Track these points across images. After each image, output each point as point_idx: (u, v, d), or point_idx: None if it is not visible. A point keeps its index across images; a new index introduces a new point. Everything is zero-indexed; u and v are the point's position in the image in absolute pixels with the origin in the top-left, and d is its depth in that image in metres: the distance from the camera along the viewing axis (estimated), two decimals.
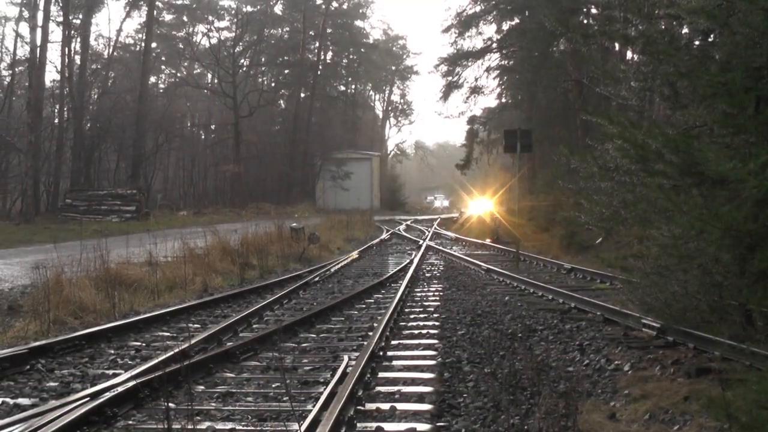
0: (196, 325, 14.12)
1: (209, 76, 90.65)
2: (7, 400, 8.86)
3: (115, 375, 9.61)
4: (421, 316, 14.91)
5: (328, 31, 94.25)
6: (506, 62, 58.96)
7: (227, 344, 11.73)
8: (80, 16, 67.80)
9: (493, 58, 59.62)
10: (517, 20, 57.36)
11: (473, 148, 61.33)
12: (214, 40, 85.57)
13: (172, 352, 10.55)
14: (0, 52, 71.62)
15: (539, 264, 26.08)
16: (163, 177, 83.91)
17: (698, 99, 9.80)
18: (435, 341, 12.20)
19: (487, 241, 37.90)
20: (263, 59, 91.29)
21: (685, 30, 12.03)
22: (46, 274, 15.63)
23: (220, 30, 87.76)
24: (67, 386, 9.53)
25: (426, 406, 8.47)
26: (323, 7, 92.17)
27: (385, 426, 7.76)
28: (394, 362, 10.69)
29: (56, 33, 66.55)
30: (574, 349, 11.68)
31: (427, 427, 7.80)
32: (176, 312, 15.15)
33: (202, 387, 9.45)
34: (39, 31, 59.47)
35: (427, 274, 23.41)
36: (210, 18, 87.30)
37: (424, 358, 10.99)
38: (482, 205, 51.90)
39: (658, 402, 8.65)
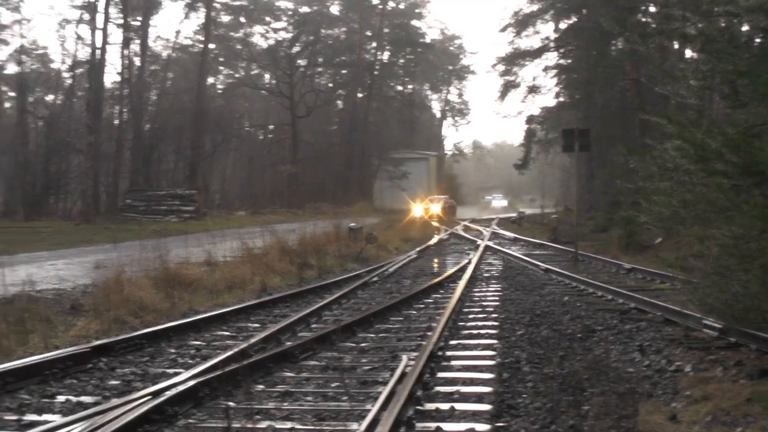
0: (255, 325, 14.19)
1: (266, 76, 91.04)
2: (71, 397, 8.95)
3: (176, 374, 9.67)
4: (480, 316, 14.87)
5: (385, 31, 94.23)
6: (564, 61, 58.70)
7: (286, 344, 11.77)
8: (139, 18, 68.39)
9: (551, 57, 59.43)
10: (574, 19, 57.10)
11: (531, 148, 61.07)
12: (271, 41, 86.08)
13: (231, 352, 10.61)
14: (61, 55, 72.36)
15: (598, 264, 25.91)
16: (221, 177, 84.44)
17: (758, 97, 9.70)
18: (494, 341, 12.16)
19: (546, 241, 37.70)
20: (320, 59, 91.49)
21: (744, 28, 11.91)
22: (106, 273, 15.79)
23: (278, 31, 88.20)
24: (128, 384, 9.62)
25: (485, 407, 8.44)
26: (380, 7, 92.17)
27: (444, 426, 7.74)
28: (453, 362, 10.66)
29: (116, 35, 67.26)
30: (634, 349, 11.59)
31: (486, 427, 7.77)
32: (235, 312, 15.22)
33: (262, 386, 9.48)
34: (99, 33, 60.09)
35: (485, 274, 23.33)
36: (267, 19, 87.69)
37: (483, 358, 10.95)
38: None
39: (720, 403, 8.56)
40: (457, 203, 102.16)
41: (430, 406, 8.44)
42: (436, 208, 68.80)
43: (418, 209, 62.88)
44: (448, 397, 8.81)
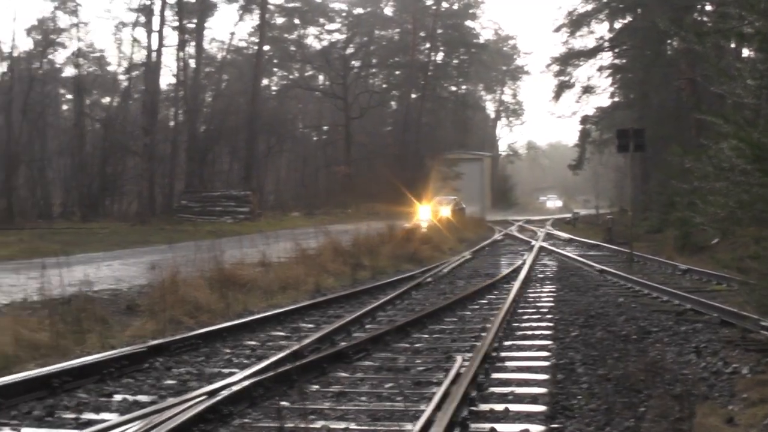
0: (309, 325, 14.24)
1: (320, 78, 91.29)
2: (127, 396, 9.03)
3: (231, 374, 9.72)
4: (534, 317, 14.83)
5: (439, 31, 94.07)
6: (618, 61, 58.32)
7: (340, 344, 11.80)
8: (194, 21, 68.86)
9: (605, 57, 59.10)
10: (629, 18, 56.70)
11: (585, 148, 60.79)
12: (325, 43, 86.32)
13: (285, 352, 10.65)
14: (117, 57, 73.04)
15: (653, 265, 25.74)
16: (275, 178, 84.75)
17: None
18: (548, 342, 12.12)
19: (600, 242, 37.48)
20: (374, 61, 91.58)
21: None
22: (162, 274, 15.90)
23: (332, 32, 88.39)
24: (184, 384, 9.68)
25: (539, 408, 8.42)
26: (433, 8, 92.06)
27: (499, 427, 7.72)
28: (507, 363, 10.64)
29: (171, 37, 67.80)
30: (690, 351, 11.49)
31: (540, 428, 7.75)
32: (289, 312, 15.28)
33: (316, 386, 9.51)
34: (155, 36, 60.58)
35: (539, 275, 23.26)
36: (321, 20, 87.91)
37: (537, 359, 10.92)
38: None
39: None
40: (510, 204, 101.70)
41: (485, 406, 8.43)
42: (446, 211, 54.40)
43: (424, 212, 51.77)
44: (503, 398, 8.79)
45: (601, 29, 69.63)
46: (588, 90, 59.80)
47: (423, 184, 68.86)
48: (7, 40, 71.25)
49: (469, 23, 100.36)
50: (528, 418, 8.08)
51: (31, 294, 13.95)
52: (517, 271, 23.24)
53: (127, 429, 7.28)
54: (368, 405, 8.66)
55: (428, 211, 52.56)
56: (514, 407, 8.39)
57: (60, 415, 8.27)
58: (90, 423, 7.83)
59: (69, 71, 72.03)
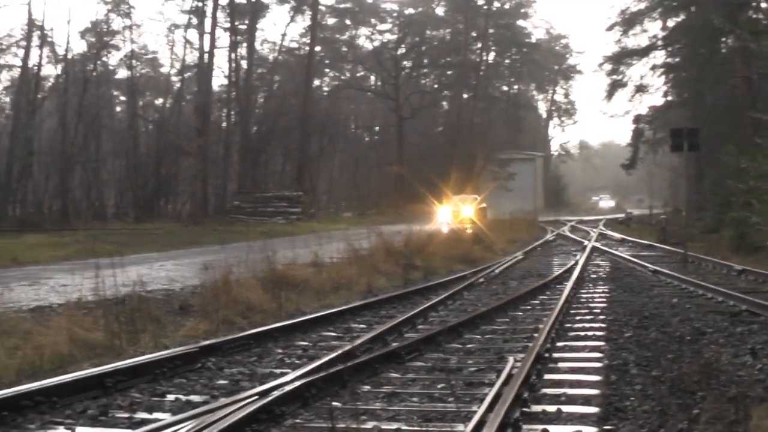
0: (361, 326, 14.24)
1: (372, 78, 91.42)
2: (180, 396, 9.07)
3: (283, 374, 9.73)
4: (587, 317, 14.73)
5: (490, 31, 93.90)
6: (672, 60, 57.90)
7: (392, 345, 11.79)
8: (246, 22, 69.19)
9: (659, 56, 58.75)
10: (682, 16, 56.29)
11: (639, 148, 60.40)
12: (376, 43, 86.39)
13: (337, 352, 10.65)
14: (170, 59, 73.57)
15: (708, 265, 25.49)
16: (328, 179, 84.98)
17: None
18: (601, 343, 12.03)
19: (654, 242, 37.20)
20: (425, 61, 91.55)
21: None
22: (214, 274, 15.98)
23: (383, 33, 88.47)
24: (236, 384, 9.70)
25: (592, 409, 8.35)
26: (485, 7, 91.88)
27: (551, 428, 7.67)
28: (560, 364, 10.58)
29: (223, 39, 68.08)
30: (746, 352, 11.35)
31: (593, 430, 7.69)
32: (341, 312, 15.29)
33: (368, 387, 9.49)
34: (207, 38, 60.92)
35: (592, 276, 23.14)
36: (372, 21, 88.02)
37: (590, 360, 10.84)
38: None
39: None
40: (563, 204, 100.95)
41: (537, 408, 8.38)
42: (469, 211, 49.32)
43: (444, 214, 48.00)
44: (555, 399, 8.74)
45: (654, 27, 69.17)
46: (641, 89, 59.52)
47: (474, 184, 68.64)
48: (61, 43, 72.21)
49: (521, 22, 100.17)
50: (581, 419, 8.03)
51: (86, 294, 14.05)
52: (569, 271, 23.13)
53: (179, 429, 7.31)
54: (420, 406, 8.64)
55: (449, 213, 48.54)
56: (567, 408, 8.33)
57: (113, 415, 8.33)
58: (143, 422, 7.87)
59: (122, 73, 72.77)
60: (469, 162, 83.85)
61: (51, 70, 66.73)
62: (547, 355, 10.93)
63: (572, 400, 8.71)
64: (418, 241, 28.14)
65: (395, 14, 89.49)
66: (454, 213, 48.52)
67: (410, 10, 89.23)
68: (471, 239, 32.55)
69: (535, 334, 12.39)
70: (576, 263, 25.61)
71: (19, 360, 10.35)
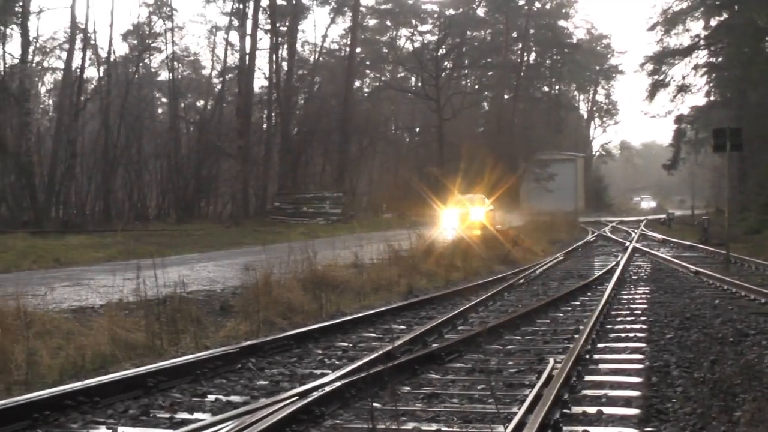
0: (401, 327, 14.24)
1: (413, 79, 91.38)
2: (220, 397, 9.11)
3: (323, 375, 9.75)
4: (628, 319, 14.65)
5: (531, 31, 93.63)
6: (714, 59, 57.49)
7: (432, 345, 11.78)
8: (287, 24, 69.37)
9: (701, 56, 58.38)
10: (725, 16, 55.88)
11: (680, 148, 60.06)
12: (417, 44, 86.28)
13: (377, 353, 10.65)
14: (211, 61, 73.90)
15: (750, 266, 25.28)
16: (368, 180, 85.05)
17: None
18: (642, 345, 11.96)
19: (696, 243, 36.94)
20: (466, 61, 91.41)
21: None
22: (255, 275, 16.03)
23: (424, 33, 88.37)
24: (276, 385, 9.73)
25: (633, 411, 8.30)
26: (526, 8, 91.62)
27: (592, 430, 7.63)
28: (601, 365, 10.53)
29: (264, 40, 68.35)
30: None
31: None
32: (381, 313, 15.30)
33: (408, 388, 9.50)
34: (248, 39, 61.14)
35: (633, 276, 23.02)
36: (413, 22, 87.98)
37: (631, 361, 10.78)
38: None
39: None
40: (604, 205, 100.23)
41: (577, 409, 8.34)
42: (479, 213, 42.24)
43: (450, 218, 41.48)
44: (596, 401, 8.69)
45: (697, 27, 68.75)
46: (683, 89, 59.22)
47: (516, 185, 68.12)
48: (104, 46, 72.65)
49: (562, 23, 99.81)
50: (621, 421, 7.99)
51: (127, 295, 14.15)
52: (610, 272, 23.02)
53: (220, 429, 7.34)
54: (459, 406, 8.63)
55: (454, 216, 41.29)
56: (608, 410, 8.29)
57: (155, 415, 8.37)
58: (184, 423, 7.91)
59: (164, 75, 73.21)
60: (511, 163, 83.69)
61: (94, 73, 67.31)
62: (587, 356, 10.90)
63: (613, 401, 8.67)
64: (459, 241, 28.09)
65: (436, 15, 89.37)
66: (461, 216, 41.27)
67: (451, 11, 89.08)
68: (511, 240, 32.44)
69: (576, 335, 12.35)
70: (617, 264, 25.49)
71: (62, 360, 10.43)
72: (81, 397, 8.53)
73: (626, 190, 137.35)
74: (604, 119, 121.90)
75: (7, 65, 53.45)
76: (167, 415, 8.32)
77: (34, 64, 64.18)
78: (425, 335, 12.58)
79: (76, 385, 8.85)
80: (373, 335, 13.44)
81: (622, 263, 25.67)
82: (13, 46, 68.63)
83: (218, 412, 8.32)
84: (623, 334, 12.91)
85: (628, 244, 36.63)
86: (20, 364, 9.93)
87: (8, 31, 52.22)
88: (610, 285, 19.02)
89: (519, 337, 13.01)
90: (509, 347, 12.13)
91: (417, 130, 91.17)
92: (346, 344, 12.58)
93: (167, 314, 12.94)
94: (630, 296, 18.29)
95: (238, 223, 52.54)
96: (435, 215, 44.49)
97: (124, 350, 11.25)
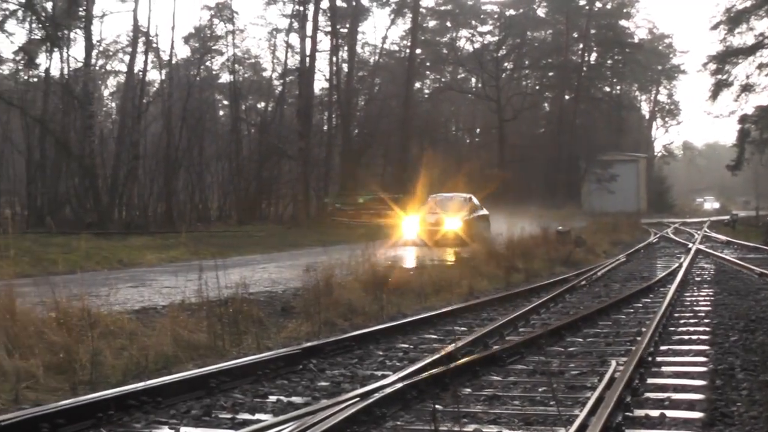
0: (462, 328, 14.19)
1: (473, 80, 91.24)
2: (282, 398, 9.14)
3: (384, 376, 9.75)
4: (691, 321, 14.51)
5: (592, 31, 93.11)
6: None
7: (493, 347, 11.75)
8: (347, 25, 69.54)
9: (765, 54, 57.68)
10: None
11: (744, 148, 59.42)
12: (477, 45, 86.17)
13: (438, 355, 10.64)
14: (271, 63, 74.24)
15: None
16: (429, 181, 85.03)
17: None
18: (706, 347, 11.84)
19: (761, 245, 36.51)
20: (526, 62, 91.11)
21: None
22: (316, 276, 16.08)
23: (484, 34, 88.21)
24: (337, 386, 9.75)
25: (697, 414, 8.22)
26: (587, 8, 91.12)
27: None
28: (663, 368, 10.43)
29: (324, 42, 68.51)
30: None
31: None
32: (443, 315, 15.27)
33: (469, 390, 9.47)
34: (308, 41, 61.35)
35: (696, 278, 22.80)
36: (473, 22, 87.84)
37: (695, 364, 10.67)
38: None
39: None
40: (666, 206, 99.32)
41: (640, 412, 8.27)
42: (454, 223, 34.59)
43: (410, 225, 35.39)
44: (659, 404, 8.62)
45: (761, 25, 68.05)
46: (747, 88, 58.61)
47: (577, 186, 67.53)
48: (166, 49, 73.28)
49: (623, 22, 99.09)
50: (685, 424, 7.91)
51: (190, 296, 14.23)
52: (673, 274, 22.81)
53: (281, 430, 7.37)
54: (521, 409, 8.59)
55: (416, 225, 34.83)
56: (671, 413, 8.21)
57: (217, 415, 8.42)
58: (245, 423, 7.95)
59: (225, 77, 73.64)
60: (571, 163, 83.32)
61: (156, 76, 67.98)
62: (650, 358, 10.80)
63: (676, 404, 8.59)
64: (520, 243, 28.01)
65: (496, 16, 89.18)
66: (429, 224, 34.24)
67: (511, 12, 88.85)
68: (573, 241, 32.29)
69: (638, 338, 12.24)
70: (680, 266, 25.25)
71: (125, 360, 10.53)
72: (144, 397, 8.60)
73: (689, 191, 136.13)
74: (666, 119, 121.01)
75: (71, 69, 54.02)
76: (229, 416, 8.37)
77: (97, 68, 64.91)
78: (486, 337, 12.54)
79: (140, 385, 8.93)
80: (434, 336, 13.42)
81: (685, 265, 25.43)
82: (77, 50, 69.33)
83: (279, 413, 8.35)
84: (686, 337, 12.79)
85: (690, 245, 36.29)
86: (85, 364, 10.02)
87: (72, 35, 52.75)
88: (673, 287, 18.84)
89: (581, 339, 12.93)
90: (571, 349, 12.06)
91: (477, 131, 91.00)
92: (407, 345, 12.57)
93: (229, 315, 13.01)
94: (693, 298, 18.12)
95: (299, 224, 52.79)
96: (496, 215, 42.75)
97: (187, 351, 11.32)
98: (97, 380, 9.72)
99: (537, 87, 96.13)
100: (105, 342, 10.99)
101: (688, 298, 18.05)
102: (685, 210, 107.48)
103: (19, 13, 49.28)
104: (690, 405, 8.55)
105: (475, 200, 39.31)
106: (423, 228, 34.69)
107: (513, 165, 79.49)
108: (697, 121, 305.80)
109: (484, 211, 39.68)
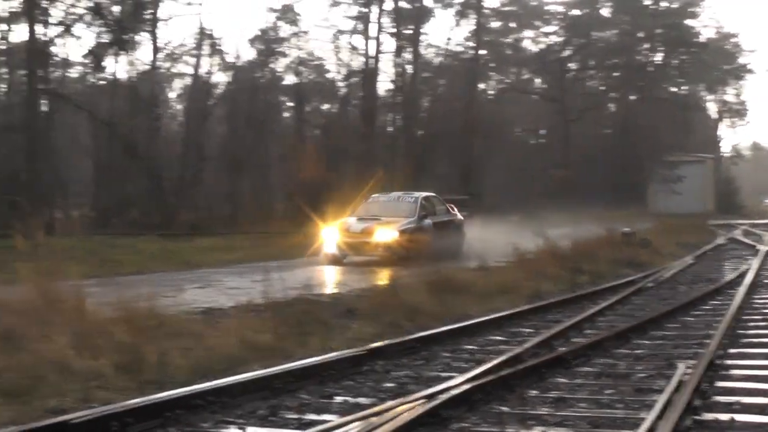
0: (527, 330, 14.14)
1: (537, 80, 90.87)
2: (348, 398, 9.17)
3: (449, 378, 9.74)
4: (761, 324, 14.33)
5: (657, 31, 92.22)
6: None
7: (559, 349, 11.69)
8: (411, 27, 69.58)
9: None
10: None
11: None
12: (541, 45, 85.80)
13: (504, 357, 10.61)
14: (335, 65, 74.43)
15: None
16: (493, 182, 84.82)
17: None
18: None
19: None
20: (591, 63, 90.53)
21: None
22: (381, 277, 16.12)
23: (548, 35, 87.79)
24: (402, 387, 9.76)
25: None
26: (652, 7, 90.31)
27: None
28: (733, 372, 10.31)
29: (388, 44, 68.56)
30: None
31: None
32: (508, 316, 15.24)
33: (535, 392, 9.44)
34: (372, 43, 61.53)
35: (765, 281, 22.49)
36: (537, 23, 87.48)
37: (765, 368, 10.54)
38: None
39: None
40: (734, 208, 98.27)
41: (709, 416, 8.18)
42: (386, 234, 25.69)
43: (330, 237, 26.33)
44: (728, 408, 8.52)
45: None
46: None
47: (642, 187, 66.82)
48: (231, 51, 74.03)
49: (688, 22, 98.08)
50: (756, 429, 7.82)
51: (255, 296, 14.31)
52: (742, 276, 22.51)
53: (347, 430, 7.39)
54: (588, 411, 8.54)
55: (335, 235, 26.06)
56: (741, 417, 8.12)
57: (283, 415, 8.47)
58: (311, 424, 7.99)
59: (289, 79, 73.92)
60: (636, 164, 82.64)
61: (221, 78, 68.30)
62: (719, 362, 10.69)
63: (746, 409, 8.49)
64: (585, 244, 27.84)
65: (560, 16, 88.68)
66: (354, 235, 25.82)
67: (575, 12, 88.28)
68: (639, 243, 32.02)
69: (707, 341, 12.11)
70: (749, 268, 24.92)
71: (192, 360, 10.61)
72: (211, 396, 8.69)
73: (758, 192, 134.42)
74: (734, 120, 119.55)
75: (137, 71, 54.58)
76: (295, 416, 8.42)
77: (163, 70, 65.47)
78: (552, 339, 12.49)
79: (206, 385, 9.02)
80: (499, 338, 13.38)
81: (754, 267, 25.07)
82: (144, 53, 70.00)
83: (345, 414, 8.37)
84: (756, 340, 12.64)
85: (760, 247, 35.81)
86: (152, 364, 10.13)
87: (138, 38, 53.31)
88: (742, 290, 18.59)
89: (648, 342, 12.82)
90: (638, 352, 11.97)
91: (542, 132, 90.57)
92: (472, 347, 12.55)
93: (294, 316, 13.07)
94: (763, 301, 17.87)
95: None
96: (561, 216, 42.12)
97: (252, 351, 11.38)
98: (164, 380, 9.82)
99: (602, 87, 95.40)
100: (171, 342, 11.10)
101: (758, 301, 17.79)
102: (753, 211, 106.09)
103: (87, 17, 49.79)
104: (761, 409, 8.46)
105: (437, 201, 30.32)
106: (345, 240, 25.79)
107: (577, 166, 78.98)
108: (766, 121, 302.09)
109: (451, 217, 30.14)
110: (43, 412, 8.33)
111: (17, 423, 7.82)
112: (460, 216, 30.99)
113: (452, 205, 31.28)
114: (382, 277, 20.64)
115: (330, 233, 26.38)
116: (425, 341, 12.49)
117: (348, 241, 25.73)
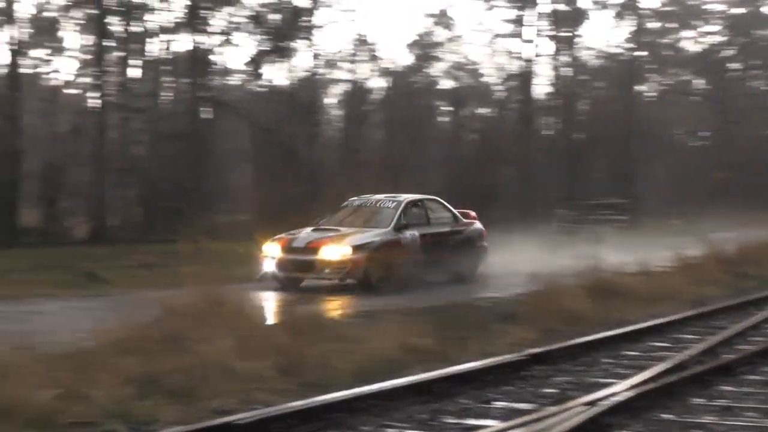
0: (690, 336, 13.86)
1: (699, 81, 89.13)
2: (507, 404, 9.14)
3: (610, 384, 9.62)
4: None
5: None
6: None
7: (724, 357, 11.44)
8: (568, 29, 69.04)
9: None
10: None
11: None
12: (702, 45, 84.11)
13: (667, 364, 10.44)
14: (492, 69, 74.34)
15: None
16: (653, 185, 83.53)
17: None
18: None
19: None
20: (754, 62, 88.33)
21: None
22: (540, 282, 16.01)
23: (709, 35, 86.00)
24: (563, 393, 9.68)
25: None
26: None
27: None
28: None
29: (545, 47, 68.13)
30: None
31: None
32: (670, 323, 14.97)
33: (699, 400, 9.26)
34: (529, 46, 61.32)
35: None
36: (697, 23, 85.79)
37: None
38: None
39: None
40: None
41: None
42: (332, 252, 19.43)
43: (271, 253, 19.98)
44: None
45: None
46: None
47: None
48: (387, 56, 74.30)
49: None
50: None
51: (413, 302, 14.39)
52: None
53: None
54: (755, 421, 8.34)
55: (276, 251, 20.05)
56: None
57: (442, 420, 8.48)
58: (471, 429, 7.98)
59: (444, 83, 74.05)
60: None
61: (377, 83, 68.87)
62: None
63: None
64: (752, 248, 27.14)
65: (721, 15, 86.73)
66: (296, 252, 19.95)
67: (737, 10, 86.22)
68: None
69: None
70: None
71: (352, 364, 10.70)
72: (371, 400, 8.75)
73: None
74: None
75: (296, 78, 55.40)
76: (455, 421, 8.41)
77: (321, 76, 66.35)
78: (717, 346, 12.23)
79: (366, 388, 9.09)
80: (661, 345, 13.15)
81: None
82: (302, 60, 70.91)
83: (505, 419, 8.33)
84: None
85: None
86: (313, 367, 10.26)
87: (296, 45, 54.11)
88: None
89: None
90: None
91: (702, 134, 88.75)
92: (633, 353, 12.37)
93: (454, 321, 13.09)
94: None
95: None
96: (724, 220, 40.88)
97: (412, 355, 11.43)
98: (325, 383, 9.92)
99: (764, 88, 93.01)
100: (333, 345, 11.23)
101: None
102: None
103: (247, 26, 50.80)
104: None
105: (438, 207, 25.16)
106: (286, 257, 20.02)
107: (740, 168, 77.10)
108: None
109: (460, 227, 24.62)
110: (207, 412, 8.53)
111: (183, 423, 8.02)
112: (478, 226, 25.36)
113: (469, 212, 26.19)
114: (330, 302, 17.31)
115: (271, 249, 20.25)
116: (585, 347, 12.37)
117: (289, 258, 19.94)
